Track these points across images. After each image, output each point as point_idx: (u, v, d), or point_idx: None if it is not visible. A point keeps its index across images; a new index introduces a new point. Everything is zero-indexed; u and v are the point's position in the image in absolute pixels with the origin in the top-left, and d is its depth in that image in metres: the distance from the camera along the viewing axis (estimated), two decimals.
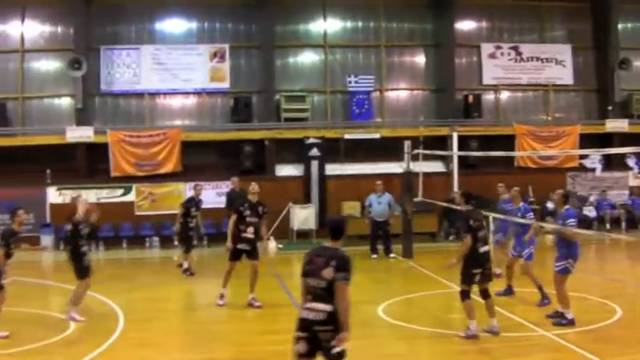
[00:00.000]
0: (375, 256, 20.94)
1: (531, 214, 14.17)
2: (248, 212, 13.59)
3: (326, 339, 6.83)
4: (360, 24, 28.22)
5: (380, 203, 21.07)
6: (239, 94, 26.73)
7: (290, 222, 24.89)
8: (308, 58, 27.97)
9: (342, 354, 6.83)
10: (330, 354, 6.81)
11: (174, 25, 27.01)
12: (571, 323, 11.50)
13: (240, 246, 13.54)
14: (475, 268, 10.99)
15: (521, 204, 14.48)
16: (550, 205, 24.31)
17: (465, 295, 10.92)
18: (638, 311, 13.04)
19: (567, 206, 12.05)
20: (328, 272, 6.85)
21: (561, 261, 11.80)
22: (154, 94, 26.68)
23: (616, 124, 27.95)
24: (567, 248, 11.81)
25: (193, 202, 18.41)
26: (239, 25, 27.34)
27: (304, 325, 6.92)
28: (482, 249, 11.03)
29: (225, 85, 26.81)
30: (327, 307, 6.83)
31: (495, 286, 13.07)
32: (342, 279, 6.78)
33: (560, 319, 11.72)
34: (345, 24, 28.16)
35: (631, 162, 25.95)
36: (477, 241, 11.00)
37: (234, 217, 13.58)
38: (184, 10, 26.99)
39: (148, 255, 23.67)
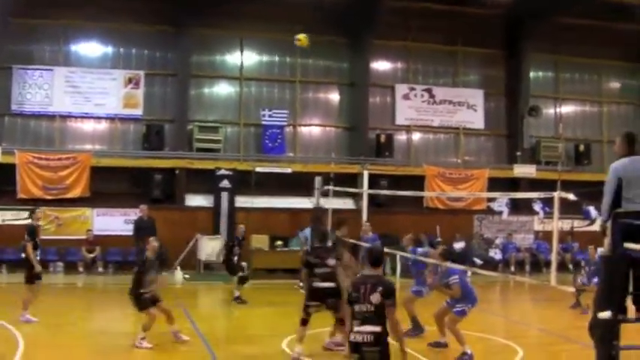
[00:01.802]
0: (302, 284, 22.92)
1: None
2: None
3: (372, 358, 8.12)
4: (276, 58, 30.94)
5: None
6: (152, 121, 28.68)
7: (197, 253, 26.44)
8: (223, 89, 30.38)
9: None
10: None
11: (89, 48, 28.88)
12: (472, 358, 12.61)
13: None
14: (309, 301, 12.51)
15: (410, 249, 15.46)
16: (457, 245, 27.31)
17: (301, 321, 12.46)
18: (539, 353, 14.31)
19: (449, 263, 13.49)
20: (375, 297, 8.14)
21: (461, 304, 13.10)
22: (65, 117, 28.32)
23: (524, 170, 31.36)
24: (467, 294, 13.26)
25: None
26: (155, 52, 29.51)
27: (354, 346, 8.19)
28: (317, 284, 12.45)
29: (139, 111, 28.75)
30: (376, 329, 8.12)
31: None
32: (392, 305, 8.19)
33: (462, 357, 12.72)
34: (261, 57, 30.82)
35: (537, 207, 28.11)
36: (313, 276, 12.53)
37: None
38: (101, 34, 28.85)
39: (53, 280, 24.02)
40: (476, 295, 13.51)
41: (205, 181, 27.98)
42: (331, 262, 12.40)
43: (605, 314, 8.16)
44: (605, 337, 8.26)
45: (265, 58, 30.91)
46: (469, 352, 12.62)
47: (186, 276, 24.96)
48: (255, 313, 18.63)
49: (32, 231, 15.83)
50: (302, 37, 14.76)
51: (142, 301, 13.49)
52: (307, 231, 22.82)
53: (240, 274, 20.08)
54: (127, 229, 25.33)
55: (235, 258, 20.10)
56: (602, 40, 32.86)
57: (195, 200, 28.25)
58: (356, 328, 8.19)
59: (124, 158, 27.86)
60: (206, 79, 30.09)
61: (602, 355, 8.34)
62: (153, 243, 14.07)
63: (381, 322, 8.15)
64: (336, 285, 12.33)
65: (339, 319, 12.13)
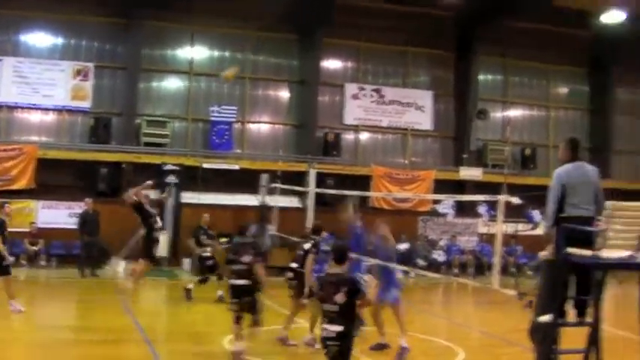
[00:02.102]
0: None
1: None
2: None
3: (333, 351, 8.72)
4: (227, 54, 31.45)
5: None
6: (100, 114, 29.01)
7: None
8: (173, 83, 30.80)
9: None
10: None
11: (39, 38, 29.04)
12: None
13: None
14: (230, 299, 12.55)
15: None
16: (401, 246, 28.02)
17: (234, 319, 12.48)
18: (480, 355, 14.58)
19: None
20: (340, 297, 8.61)
21: (394, 289, 13.62)
22: (12, 108, 28.44)
23: (470, 172, 32.22)
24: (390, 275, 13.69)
25: None
26: (105, 45, 29.78)
27: (323, 341, 8.91)
28: (232, 282, 12.51)
29: (87, 104, 29.00)
30: (339, 329, 8.65)
31: None
32: (363, 303, 9.40)
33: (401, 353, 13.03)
34: (212, 53, 31.31)
35: (482, 209, 28.99)
36: (231, 272, 12.65)
37: None
38: (51, 25, 28.99)
39: None
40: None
41: (152, 176, 27.43)
42: (246, 258, 12.25)
43: (546, 318, 8.53)
44: (545, 340, 8.61)
45: (216, 53, 31.33)
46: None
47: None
48: (198, 309, 18.84)
49: (1, 225, 16.31)
50: (229, 74, 15.12)
51: None
52: (252, 228, 23.35)
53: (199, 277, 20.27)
54: (72, 223, 25.67)
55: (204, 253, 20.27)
56: (551, 45, 33.81)
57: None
58: (324, 326, 8.82)
59: (70, 151, 28.10)
60: (156, 73, 30.39)
61: (541, 358, 8.71)
62: None
63: (346, 321, 8.65)
64: (251, 283, 12.23)
65: (255, 321, 12.32)
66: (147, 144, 28.84)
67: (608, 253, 8.31)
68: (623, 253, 8.35)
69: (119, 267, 24.46)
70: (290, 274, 14.34)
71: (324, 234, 14.73)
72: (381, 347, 13.57)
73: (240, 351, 12.18)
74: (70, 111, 29.13)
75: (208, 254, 20.24)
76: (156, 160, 28.34)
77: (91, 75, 29.16)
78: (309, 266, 13.41)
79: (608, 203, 8.64)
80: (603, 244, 8.38)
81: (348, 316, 8.72)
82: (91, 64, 29.19)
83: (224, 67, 30.38)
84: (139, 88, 29.54)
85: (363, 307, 9.43)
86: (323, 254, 13.63)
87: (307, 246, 14.01)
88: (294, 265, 14.31)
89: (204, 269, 20.20)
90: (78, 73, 28.99)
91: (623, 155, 36.23)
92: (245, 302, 12.22)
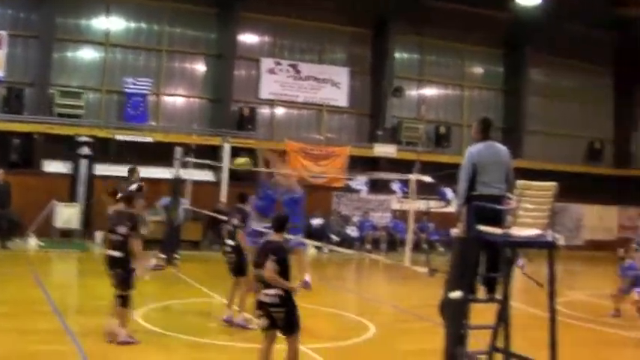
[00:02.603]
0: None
1: None
2: None
3: (279, 318, 9.55)
4: (143, 25, 31.80)
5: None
6: (12, 84, 29.02)
7: (53, 220, 26.94)
8: (87, 54, 30.93)
9: (293, 326, 9.63)
10: (284, 328, 9.67)
11: None
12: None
13: None
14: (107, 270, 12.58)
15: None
16: (314, 221, 29.00)
17: None
18: (390, 329, 15.17)
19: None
20: (270, 264, 9.50)
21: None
22: None
23: (384, 149, 33.40)
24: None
25: None
26: (19, 13, 29.64)
27: (260, 305, 9.71)
28: (108, 252, 12.69)
29: None
30: (279, 292, 9.51)
31: None
32: (282, 262, 9.69)
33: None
34: (128, 24, 31.58)
35: (395, 186, 29.94)
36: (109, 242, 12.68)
37: None
38: None
39: None
40: None
41: (64, 148, 28.42)
42: (121, 229, 12.09)
43: (456, 294, 8.81)
44: (456, 316, 8.93)
45: (132, 24, 31.57)
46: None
47: (41, 243, 25.68)
48: (107, 283, 19.24)
49: None
50: (241, 162, 15.67)
51: None
52: (165, 200, 23.95)
53: None
54: None
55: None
56: (467, 25, 35.22)
57: (53, 166, 28.62)
58: (262, 291, 9.63)
59: None
60: (70, 43, 30.45)
61: (451, 333, 9.03)
62: None
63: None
64: (124, 255, 12.07)
65: (120, 296, 12.17)
66: (60, 115, 28.97)
67: (518, 231, 8.56)
68: (533, 232, 8.72)
69: (31, 241, 25.04)
70: (228, 249, 14.47)
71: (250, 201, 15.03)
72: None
73: (111, 330, 12.13)
74: None
75: None
76: (69, 131, 28.48)
77: (4, 43, 28.99)
78: (244, 243, 13.92)
79: (519, 182, 8.63)
80: (513, 223, 8.48)
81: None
82: (4, 32, 28.99)
83: (140, 39, 31.01)
84: (52, 58, 29.56)
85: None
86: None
87: (235, 222, 14.29)
88: (229, 241, 14.42)
89: None
90: None
91: (535, 136, 37.89)
92: (115, 275, 12.15)
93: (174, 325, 14.00)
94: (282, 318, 9.59)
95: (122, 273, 12.05)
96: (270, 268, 9.50)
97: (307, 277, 13.87)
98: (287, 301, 9.59)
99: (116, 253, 12.05)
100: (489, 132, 9.46)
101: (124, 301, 12.06)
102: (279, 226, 10.16)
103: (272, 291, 9.53)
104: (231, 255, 14.36)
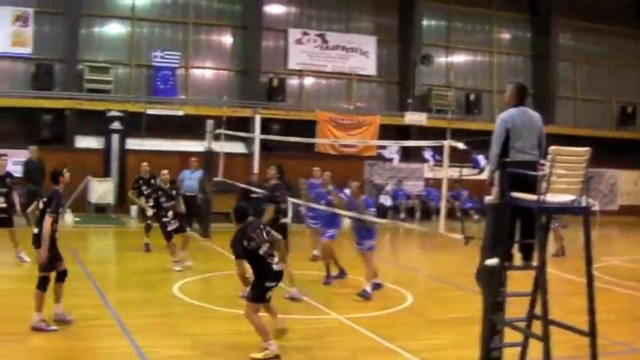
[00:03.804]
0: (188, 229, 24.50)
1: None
2: None
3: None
4: None
5: (191, 179, 24.89)
6: (41, 60, 29.39)
7: (88, 195, 27.65)
8: (114, 29, 31.21)
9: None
10: None
11: None
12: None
13: None
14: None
15: (330, 187, 16.57)
16: (347, 191, 29.03)
17: None
18: (427, 298, 15.30)
19: (364, 196, 14.95)
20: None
21: (368, 240, 14.67)
22: None
23: (415, 117, 33.35)
24: (368, 231, 14.66)
25: None
26: None
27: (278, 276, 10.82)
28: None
29: (27, 50, 29.28)
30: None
31: (313, 269, 16.89)
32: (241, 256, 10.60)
33: (363, 292, 14.35)
34: None
35: (427, 154, 29.88)
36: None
37: None
38: None
39: None
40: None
41: (95, 123, 28.89)
42: (41, 205, 11.79)
43: (492, 261, 8.73)
44: (492, 284, 8.88)
45: None
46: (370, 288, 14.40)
47: (77, 219, 26.09)
48: (144, 257, 19.50)
49: None
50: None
51: None
52: (186, 173, 24.90)
53: (148, 221, 20.05)
54: (16, 171, 25.24)
55: (145, 200, 20.36)
56: None
57: (85, 142, 29.15)
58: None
59: (11, 98, 28.36)
60: (97, 18, 30.71)
61: (488, 301, 8.96)
62: None
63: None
64: (39, 232, 11.69)
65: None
66: (90, 90, 29.32)
67: (552, 198, 8.39)
68: (567, 197, 8.57)
69: (67, 217, 25.36)
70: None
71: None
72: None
73: (58, 312, 11.77)
74: (11, 57, 29.39)
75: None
76: (99, 106, 28.93)
77: (31, 20, 29.36)
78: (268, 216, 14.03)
79: (551, 148, 8.37)
80: (547, 189, 8.30)
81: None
82: (30, 10, 29.33)
83: (166, 12, 31.19)
84: (80, 33, 29.89)
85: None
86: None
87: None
88: (284, 220, 14.61)
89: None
90: (17, 18, 29.16)
91: (565, 101, 37.85)
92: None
93: (211, 297, 14.33)
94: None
95: (37, 250, 11.71)
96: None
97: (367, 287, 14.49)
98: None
99: (35, 230, 11.70)
100: (524, 98, 9.31)
101: (38, 283, 11.54)
102: (239, 217, 10.87)
103: None
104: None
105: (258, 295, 10.55)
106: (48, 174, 12.85)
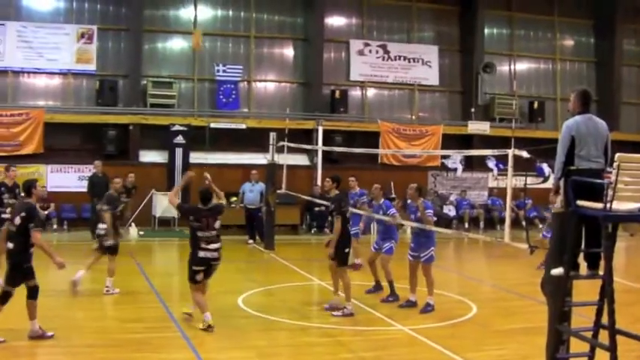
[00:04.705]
0: (251, 241, 25.09)
1: (393, 209, 15.85)
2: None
3: (215, 269, 12.89)
4: (230, 13, 32.29)
5: (252, 191, 25.32)
6: (105, 77, 29.92)
7: (152, 209, 27.97)
8: (177, 44, 31.67)
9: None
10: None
11: (41, 2, 29.80)
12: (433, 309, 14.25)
13: None
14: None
15: (382, 200, 16.38)
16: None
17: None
18: (492, 308, 15.14)
19: (422, 199, 14.53)
20: (217, 223, 12.80)
21: (426, 250, 14.37)
22: (17, 72, 29.37)
23: (478, 126, 33.14)
24: (427, 238, 14.38)
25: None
26: (108, 7, 30.56)
27: (205, 262, 12.71)
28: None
29: (92, 67, 29.88)
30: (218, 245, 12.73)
31: (357, 278, 16.72)
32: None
33: (426, 307, 14.30)
34: (215, 12, 32.18)
35: (491, 164, 30.12)
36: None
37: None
38: None
39: None
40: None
41: (159, 137, 29.30)
42: (17, 220, 11.38)
43: (557, 271, 8.66)
44: (558, 293, 8.79)
45: (220, 12, 32.14)
46: (433, 302, 14.38)
47: (141, 232, 26.60)
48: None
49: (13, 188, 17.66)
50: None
51: None
52: (246, 185, 25.54)
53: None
54: (81, 186, 26.46)
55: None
56: None
57: (149, 156, 29.60)
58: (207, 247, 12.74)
59: (77, 114, 28.94)
60: (159, 34, 31.27)
61: (554, 311, 8.89)
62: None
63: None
64: (14, 246, 11.48)
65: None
66: (153, 105, 29.82)
67: (618, 206, 8.20)
68: (633, 205, 8.34)
69: (132, 230, 25.72)
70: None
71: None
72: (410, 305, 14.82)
73: (33, 329, 11.54)
74: (76, 74, 29.93)
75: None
76: (163, 121, 29.35)
77: (95, 37, 29.95)
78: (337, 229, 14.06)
79: (617, 155, 8.15)
80: (613, 197, 8.10)
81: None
82: (94, 27, 29.93)
83: (227, 27, 31.59)
84: (143, 49, 30.39)
85: None
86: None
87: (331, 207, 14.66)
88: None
89: None
90: (82, 36, 29.77)
91: (630, 107, 37.27)
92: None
93: (274, 308, 14.46)
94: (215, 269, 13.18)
95: (8, 266, 11.52)
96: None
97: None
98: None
99: (10, 245, 11.44)
100: (589, 105, 9.18)
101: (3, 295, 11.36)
102: (203, 199, 13.00)
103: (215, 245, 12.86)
104: None
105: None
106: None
